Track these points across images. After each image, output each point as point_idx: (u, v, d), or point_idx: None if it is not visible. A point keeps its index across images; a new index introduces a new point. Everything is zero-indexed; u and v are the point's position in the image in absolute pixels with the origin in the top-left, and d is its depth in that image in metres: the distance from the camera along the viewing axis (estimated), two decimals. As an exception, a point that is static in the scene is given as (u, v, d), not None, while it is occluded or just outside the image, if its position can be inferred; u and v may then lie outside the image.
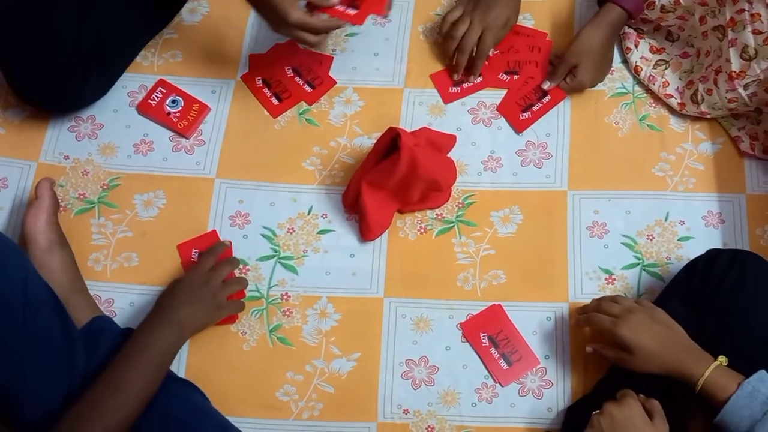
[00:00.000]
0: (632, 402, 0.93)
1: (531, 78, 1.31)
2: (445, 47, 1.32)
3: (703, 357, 0.95)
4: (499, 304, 1.16)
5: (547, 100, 1.29)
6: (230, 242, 1.19)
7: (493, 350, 1.13)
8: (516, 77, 1.31)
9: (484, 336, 1.14)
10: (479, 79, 1.31)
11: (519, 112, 1.29)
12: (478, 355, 1.13)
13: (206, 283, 1.09)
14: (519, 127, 1.28)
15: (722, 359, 0.94)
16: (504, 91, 1.31)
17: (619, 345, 0.99)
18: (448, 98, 1.31)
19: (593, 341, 1.06)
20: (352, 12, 1.15)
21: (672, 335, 0.98)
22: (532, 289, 1.18)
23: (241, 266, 1.19)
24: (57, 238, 1.15)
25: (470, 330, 1.15)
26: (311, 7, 1.14)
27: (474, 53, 1.29)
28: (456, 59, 1.30)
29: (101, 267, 1.20)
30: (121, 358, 0.98)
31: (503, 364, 1.12)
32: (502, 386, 1.12)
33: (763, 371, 0.91)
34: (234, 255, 1.19)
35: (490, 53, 1.31)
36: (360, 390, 1.13)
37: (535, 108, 1.29)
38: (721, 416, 0.90)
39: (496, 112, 1.30)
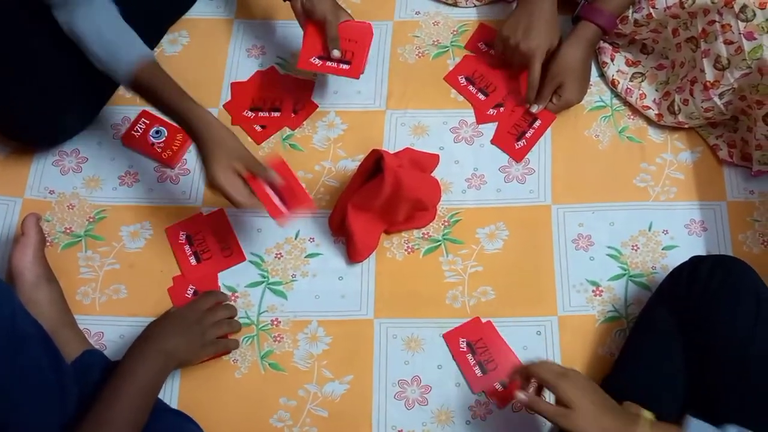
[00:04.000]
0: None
1: (517, 106, 1.32)
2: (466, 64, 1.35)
3: (632, 418, 0.92)
4: (478, 317, 1.17)
5: (538, 124, 1.30)
6: (233, 298, 1.19)
7: (469, 356, 1.14)
8: (502, 109, 1.33)
9: (462, 341, 1.15)
10: (535, 108, 1.30)
11: (513, 141, 1.30)
12: (454, 360, 1.14)
13: (198, 321, 1.09)
14: (517, 157, 1.29)
15: (648, 415, 0.92)
16: (494, 124, 1.32)
17: (558, 400, 0.95)
18: (519, 155, 1.30)
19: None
20: (345, 67, 1.24)
21: (607, 401, 0.95)
22: (520, 304, 1.18)
23: (230, 293, 1.19)
24: (44, 273, 1.15)
25: (451, 336, 1.16)
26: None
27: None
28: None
29: (89, 300, 1.20)
30: (108, 389, 0.98)
31: (478, 371, 1.13)
32: (473, 393, 1.12)
33: (698, 423, 0.88)
34: (223, 285, 1.19)
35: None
36: (354, 412, 1.13)
37: (528, 134, 1.30)
38: None
39: (478, 131, 1.31)
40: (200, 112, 1.09)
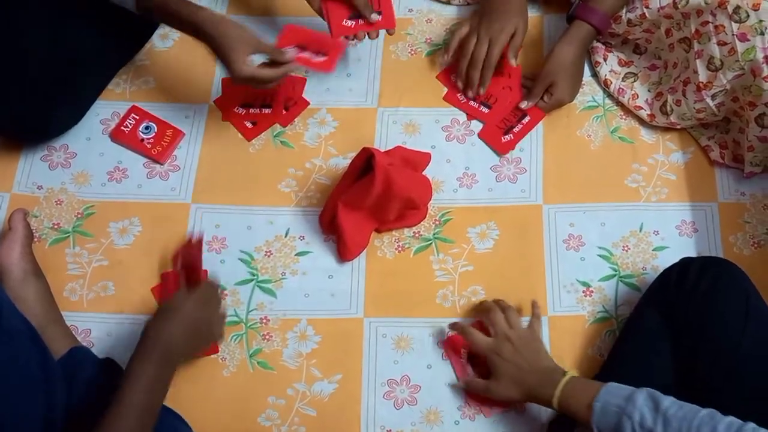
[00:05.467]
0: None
1: (508, 102, 1.32)
2: (457, 65, 1.31)
3: (555, 374, 1.00)
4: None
5: (527, 120, 1.30)
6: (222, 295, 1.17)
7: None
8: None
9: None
10: (525, 104, 1.30)
11: (501, 135, 1.29)
12: (450, 362, 1.15)
13: (205, 316, 1.02)
14: (502, 150, 1.28)
15: (572, 372, 1.00)
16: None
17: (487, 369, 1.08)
18: (504, 149, 1.30)
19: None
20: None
21: (536, 362, 1.04)
22: (510, 303, 1.18)
23: (220, 291, 1.17)
24: (32, 269, 1.14)
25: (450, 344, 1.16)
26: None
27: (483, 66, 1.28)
28: (468, 75, 1.29)
29: (77, 297, 1.19)
30: (116, 395, 0.94)
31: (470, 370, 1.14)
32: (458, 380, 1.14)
33: (611, 385, 0.94)
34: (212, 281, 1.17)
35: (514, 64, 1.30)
36: (342, 412, 1.12)
37: (516, 129, 1.29)
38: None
39: (470, 129, 1.31)
40: (210, 15, 1.14)
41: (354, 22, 1.25)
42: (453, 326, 1.14)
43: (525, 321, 1.16)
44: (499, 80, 1.34)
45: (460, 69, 1.30)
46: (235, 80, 1.15)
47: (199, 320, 1.02)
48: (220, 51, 1.13)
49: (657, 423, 0.86)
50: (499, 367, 1.05)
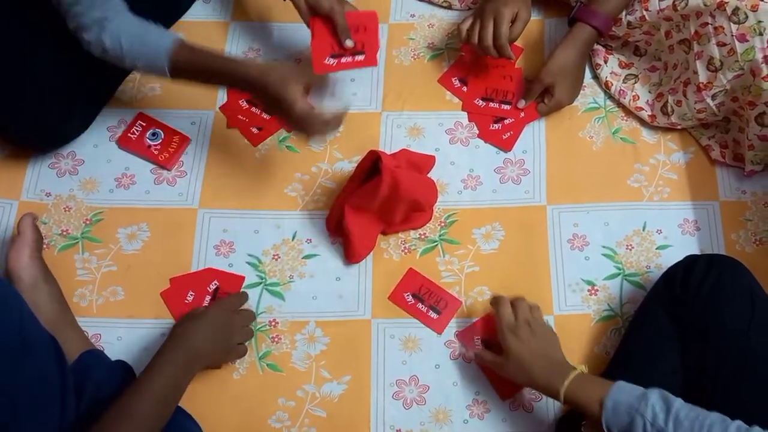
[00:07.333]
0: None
1: (489, 79, 1.35)
2: (471, 53, 1.32)
3: (563, 371, 1.00)
4: (411, 268, 1.21)
5: (522, 116, 1.32)
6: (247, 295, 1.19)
7: (420, 305, 1.18)
8: (492, 104, 1.34)
9: (407, 295, 1.19)
10: (522, 103, 1.32)
11: (498, 131, 1.31)
12: (411, 316, 1.17)
13: (228, 323, 1.09)
14: (505, 146, 1.30)
15: (581, 368, 1.00)
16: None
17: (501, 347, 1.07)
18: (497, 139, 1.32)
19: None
20: (361, 59, 1.24)
21: (548, 354, 1.04)
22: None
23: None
24: (41, 274, 1.15)
25: (396, 295, 1.19)
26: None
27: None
28: (485, 54, 1.27)
29: (87, 302, 1.20)
30: (134, 383, 0.98)
31: (433, 315, 1.17)
32: (438, 335, 1.16)
33: (621, 383, 0.94)
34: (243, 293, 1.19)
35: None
36: (352, 412, 1.13)
37: (507, 121, 1.31)
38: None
39: (473, 132, 1.33)
40: (255, 64, 1.13)
41: (336, 61, 1.24)
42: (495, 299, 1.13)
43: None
44: (500, 83, 1.35)
45: (475, 53, 1.30)
46: (295, 122, 1.10)
47: (224, 327, 1.08)
48: (273, 94, 1.07)
49: (668, 423, 0.86)
50: (512, 347, 1.05)
